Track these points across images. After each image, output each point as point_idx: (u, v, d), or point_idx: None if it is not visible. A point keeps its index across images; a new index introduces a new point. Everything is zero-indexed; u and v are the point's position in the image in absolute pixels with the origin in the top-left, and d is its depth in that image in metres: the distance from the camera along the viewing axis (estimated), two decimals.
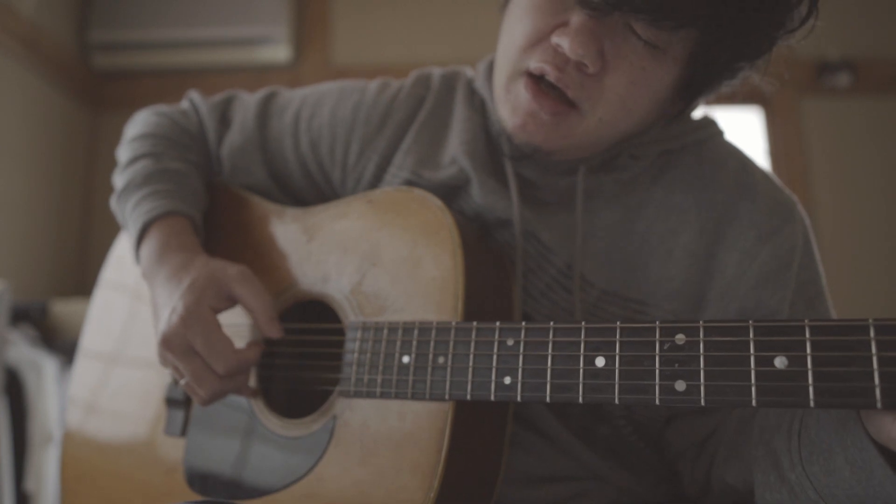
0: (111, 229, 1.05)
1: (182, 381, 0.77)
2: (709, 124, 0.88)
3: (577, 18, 0.71)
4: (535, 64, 0.74)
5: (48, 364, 2.23)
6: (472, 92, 0.93)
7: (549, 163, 0.84)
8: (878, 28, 3.14)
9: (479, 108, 0.91)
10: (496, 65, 0.83)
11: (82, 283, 3.07)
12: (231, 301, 0.81)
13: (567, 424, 0.79)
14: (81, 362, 1.02)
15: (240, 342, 0.85)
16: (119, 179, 0.95)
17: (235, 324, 0.86)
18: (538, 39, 0.75)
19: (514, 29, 0.77)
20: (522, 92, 0.76)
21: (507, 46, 0.79)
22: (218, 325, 0.77)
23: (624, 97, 0.74)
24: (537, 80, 0.76)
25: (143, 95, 3.22)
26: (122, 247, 1.04)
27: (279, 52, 3.17)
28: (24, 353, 2.23)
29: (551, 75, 0.74)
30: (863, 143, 3.09)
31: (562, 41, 0.71)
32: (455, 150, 0.87)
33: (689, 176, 0.84)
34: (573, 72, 0.73)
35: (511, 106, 0.78)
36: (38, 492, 2.16)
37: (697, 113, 0.89)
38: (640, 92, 0.74)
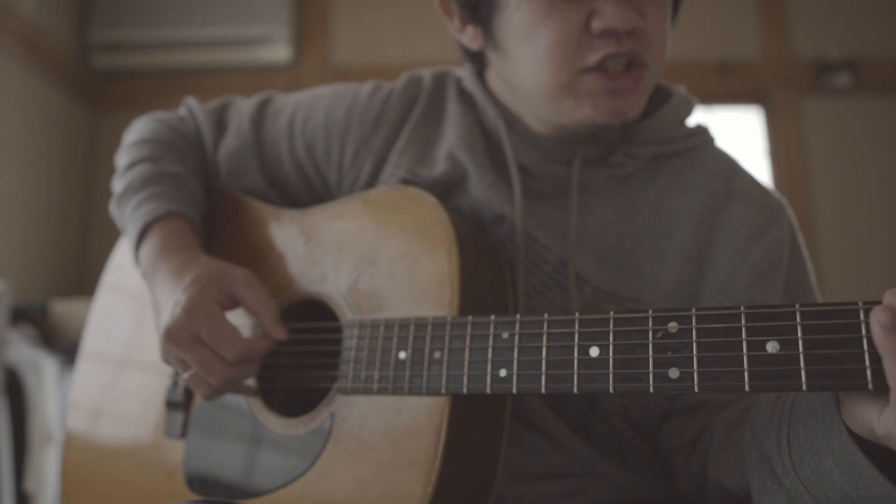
0: (111, 230, 1.05)
1: (186, 375, 0.77)
2: (702, 132, 0.90)
3: None
4: (595, 58, 0.77)
5: (48, 364, 2.23)
6: (461, 90, 0.94)
7: (547, 148, 0.85)
8: (878, 28, 3.15)
9: (471, 104, 0.92)
10: (531, 88, 0.83)
11: (82, 283, 3.08)
12: (233, 302, 0.81)
13: (565, 422, 0.80)
14: (82, 366, 1.02)
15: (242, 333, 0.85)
16: (118, 184, 0.95)
17: (238, 323, 0.86)
18: (576, 41, 0.77)
19: (539, 47, 0.78)
20: (598, 84, 0.78)
21: (540, 68, 0.79)
22: (223, 315, 0.77)
23: (664, 30, 0.81)
24: (603, 68, 0.78)
25: (143, 95, 3.22)
26: (122, 254, 1.04)
27: (279, 52, 3.18)
28: (24, 353, 2.23)
29: (622, 54, 0.77)
30: (863, 143, 3.09)
31: (610, 23, 0.75)
32: (451, 144, 0.88)
33: (682, 181, 0.86)
34: (630, 38, 0.77)
35: (591, 102, 0.79)
36: (38, 491, 2.16)
37: (692, 120, 0.91)
38: (667, 19, 0.82)
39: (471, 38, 0.88)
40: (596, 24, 0.75)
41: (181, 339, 0.75)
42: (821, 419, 0.57)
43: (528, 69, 0.82)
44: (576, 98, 0.80)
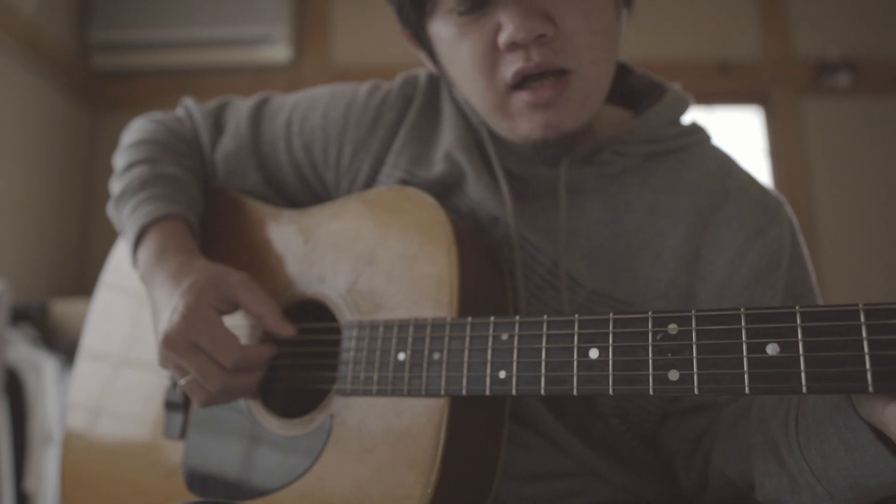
0: (111, 230, 1.05)
1: (183, 381, 0.77)
2: (696, 131, 0.89)
3: (504, 11, 0.73)
4: (510, 75, 0.76)
5: (48, 364, 2.23)
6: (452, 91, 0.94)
7: (530, 153, 0.85)
8: (878, 28, 3.15)
9: (461, 107, 0.93)
10: (476, 107, 0.84)
11: (82, 283, 3.08)
12: (231, 306, 0.80)
13: (564, 423, 0.80)
14: (81, 366, 1.01)
15: (241, 341, 0.85)
16: (116, 185, 0.95)
17: (235, 325, 0.86)
18: (491, 59, 0.76)
19: (463, 70, 0.79)
20: (521, 101, 0.77)
21: (472, 88, 0.80)
22: (221, 322, 0.77)
23: (591, 28, 0.76)
24: (523, 84, 0.77)
25: (142, 95, 3.23)
26: (121, 253, 1.04)
27: (279, 52, 3.18)
28: (24, 353, 2.23)
29: (530, 69, 0.75)
30: (863, 143, 3.09)
31: (509, 37, 0.73)
32: (449, 144, 0.88)
33: (676, 180, 0.85)
34: (540, 48, 0.74)
35: (524, 119, 0.79)
36: (38, 491, 2.17)
37: (687, 118, 0.90)
38: (598, 14, 0.76)
39: (428, 61, 0.89)
40: (500, 40, 0.74)
41: (179, 345, 0.75)
42: (830, 400, 0.58)
43: (466, 93, 0.83)
44: (511, 118, 0.79)
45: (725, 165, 0.87)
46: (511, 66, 0.75)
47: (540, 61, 0.74)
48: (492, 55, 0.76)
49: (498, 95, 0.78)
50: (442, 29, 0.79)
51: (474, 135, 0.90)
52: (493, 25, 0.75)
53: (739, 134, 3.23)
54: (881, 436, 0.54)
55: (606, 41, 0.78)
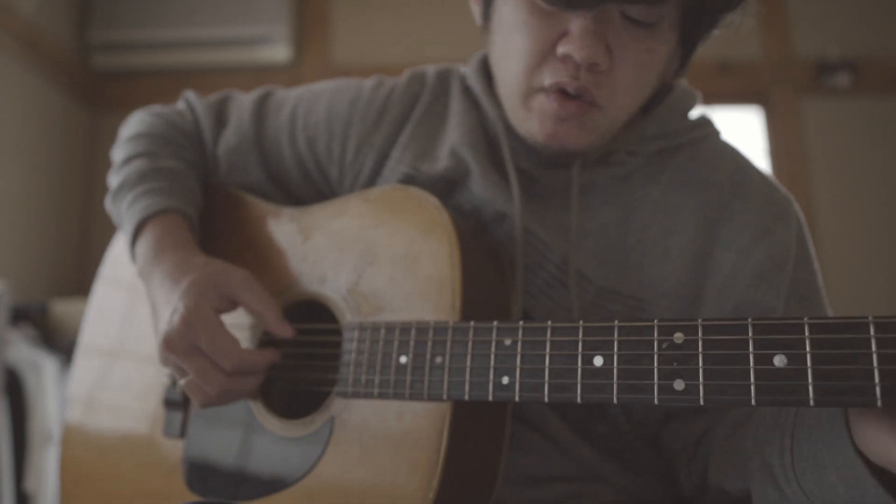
0: (111, 229, 1.05)
1: (183, 382, 0.76)
2: (705, 124, 0.89)
3: (577, 24, 0.73)
4: (549, 81, 0.76)
5: (48, 364, 2.23)
6: (465, 88, 0.94)
7: (545, 155, 0.85)
8: (878, 28, 3.14)
9: (474, 102, 0.92)
10: (501, 82, 0.84)
11: (82, 283, 3.08)
12: (231, 304, 0.80)
13: (567, 423, 0.79)
14: (80, 361, 1.01)
15: (241, 343, 0.85)
16: (114, 179, 0.94)
17: (236, 324, 0.86)
18: (542, 56, 0.76)
19: (512, 49, 0.79)
20: (547, 103, 0.77)
21: (509, 68, 0.80)
22: (221, 324, 0.76)
23: (636, 81, 0.78)
24: (559, 89, 0.77)
25: (142, 95, 3.22)
26: (119, 247, 1.04)
27: (279, 52, 3.17)
28: (24, 353, 2.23)
29: (570, 87, 0.75)
30: (863, 143, 3.09)
31: (570, 50, 0.73)
32: (454, 141, 0.88)
33: (685, 176, 0.85)
34: (587, 74, 0.75)
35: (538, 120, 0.79)
36: (38, 491, 2.17)
37: (695, 113, 0.90)
38: (649, 71, 0.79)
39: (478, 9, 0.88)
40: (560, 48, 0.74)
41: (179, 347, 0.74)
42: (826, 432, 0.56)
43: (502, 63, 0.83)
44: (528, 111, 0.80)
45: (734, 161, 0.87)
46: (555, 75, 0.76)
47: (580, 86, 0.75)
48: (545, 53, 0.76)
49: (529, 88, 0.79)
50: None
51: (486, 130, 0.89)
52: (561, 28, 0.75)
53: (739, 134, 3.23)
54: (879, 474, 0.52)
55: (641, 94, 0.81)
